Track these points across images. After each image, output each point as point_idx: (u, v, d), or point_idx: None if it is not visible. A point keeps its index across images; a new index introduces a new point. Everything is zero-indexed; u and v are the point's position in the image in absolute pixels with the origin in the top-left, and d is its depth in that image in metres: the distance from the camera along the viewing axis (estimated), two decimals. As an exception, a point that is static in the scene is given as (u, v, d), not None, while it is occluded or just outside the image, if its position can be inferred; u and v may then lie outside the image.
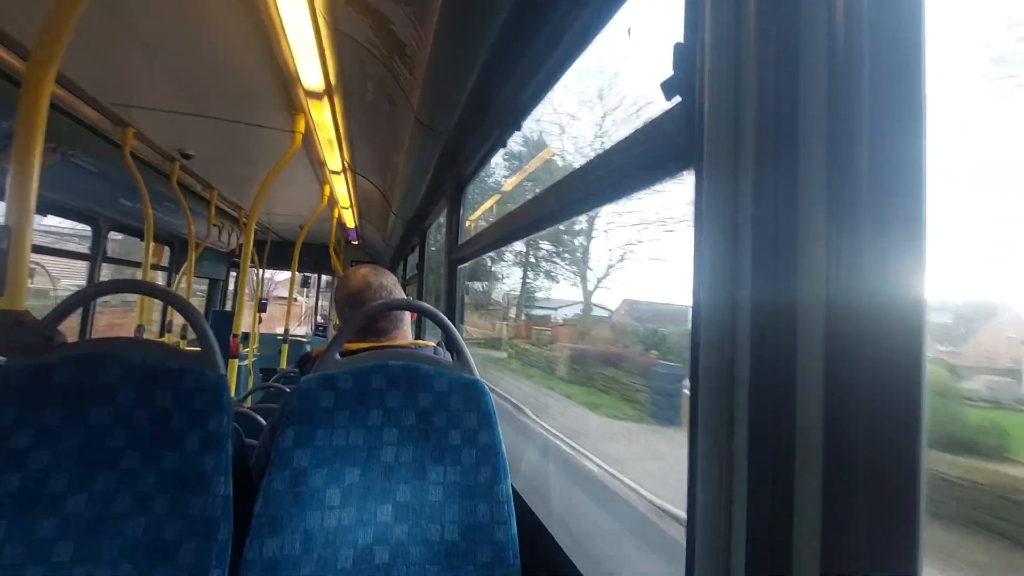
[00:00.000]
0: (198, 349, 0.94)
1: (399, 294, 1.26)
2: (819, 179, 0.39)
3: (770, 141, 0.43)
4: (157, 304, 4.26)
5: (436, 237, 3.52)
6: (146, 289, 1.00)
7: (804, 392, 0.38)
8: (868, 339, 0.37)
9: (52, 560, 0.78)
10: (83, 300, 0.93)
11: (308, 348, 3.89)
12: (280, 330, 5.45)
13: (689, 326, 0.51)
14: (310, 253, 6.42)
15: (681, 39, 0.56)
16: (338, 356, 0.98)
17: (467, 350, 1.05)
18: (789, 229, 0.41)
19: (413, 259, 4.24)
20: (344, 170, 3.06)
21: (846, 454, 0.36)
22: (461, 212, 1.99)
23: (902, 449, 0.36)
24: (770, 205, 0.42)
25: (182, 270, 4.42)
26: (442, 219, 2.31)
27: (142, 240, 3.25)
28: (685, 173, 0.58)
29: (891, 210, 0.38)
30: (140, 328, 3.11)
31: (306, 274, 7.58)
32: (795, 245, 0.40)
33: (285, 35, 1.61)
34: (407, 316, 1.23)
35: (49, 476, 0.81)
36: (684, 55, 0.55)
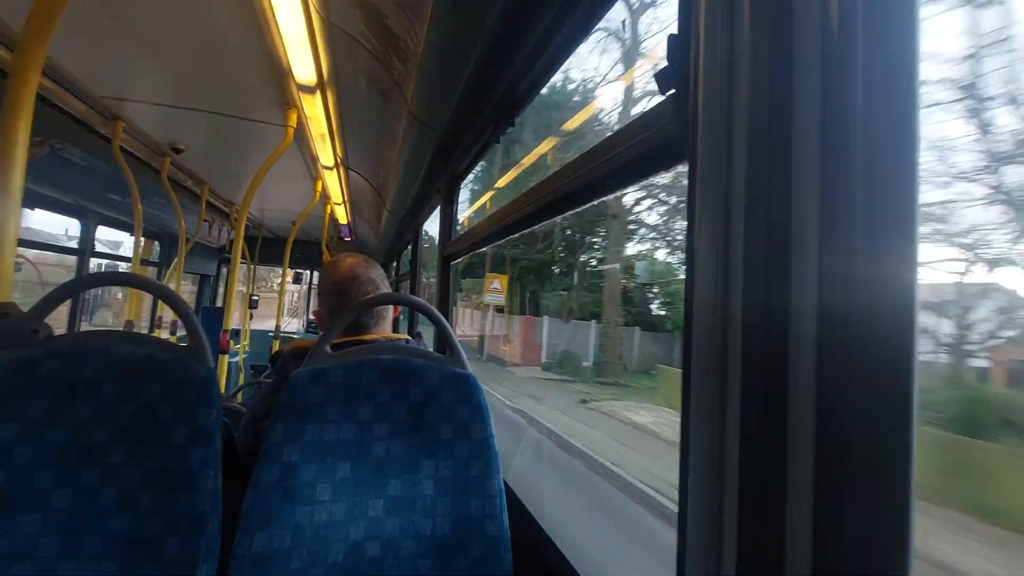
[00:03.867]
0: (186, 344, 0.93)
1: (386, 287, 1.24)
2: (812, 172, 0.39)
3: (763, 134, 0.43)
4: (149, 299, 4.22)
5: (430, 234, 3.51)
6: (133, 281, 0.99)
7: (796, 389, 0.38)
8: (860, 336, 0.37)
9: (37, 556, 0.76)
10: (70, 292, 0.92)
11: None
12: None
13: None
14: (302, 249, 6.38)
15: (675, 30, 0.56)
16: (328, 350, 0.97)
17: (459, 345, 1.04)
18: (782, 223, 0.41)
19: (407, 256, 4.23)
20: (337, 165, 3.04)
21: (837, 452, 0.36)
22: (455, 208, 1.98)
23: (893, 448, 0.36)
24: (763, 198, 0.42)
25: (172, 265, 4.37)
26: (436, 215, 2.30)
27: (132, 235, 3.22)
28: (679, 166, 0.58)
29: (884, 204, 0.38)
30: (129, 323, 3.08)
31: (298, 270, 7.54)
32: (788, 239, 0.40)
33: (277, 28, 1.59)
34: (390, 311, 1.22)
35: (33, 471, 0.79)
36: (678, 46, 0.55)
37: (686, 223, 0.50)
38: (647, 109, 0.62)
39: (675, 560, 0.48)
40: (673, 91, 0.57)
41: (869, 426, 0.36)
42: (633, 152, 0.66)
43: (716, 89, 0.47)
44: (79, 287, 0.92)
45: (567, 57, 1.03)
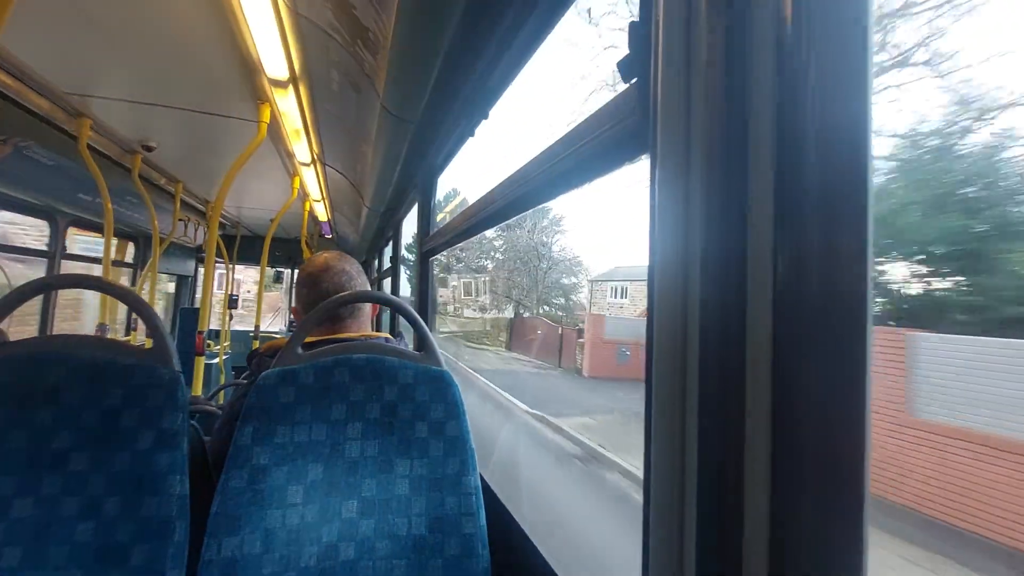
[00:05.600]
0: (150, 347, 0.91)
1: (362, 282, 1.22)
2: (768, 163, 0.39)
3: (720, 122, 0.42)
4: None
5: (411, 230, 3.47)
6: (91, 284, 0.96)
7: (753, 382, 0.38)
8: (815, 328, 0.36)
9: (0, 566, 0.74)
10: (26, 295, 0.89)
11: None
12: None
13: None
14: (282, 248, 6.30)
15: (637, 17, 0.55)
16: (299, 349, 0.95)
17: (435, 343, 1.03)
18: (739, 214, 0.40)
19: (389, 253, 4.19)
20: (313, 161, 2.99)
21: (793, 449, 0.36)
22: (432, 203, 1.96)
23: (848, 443, 0.36)
24: (720, 189, 0.41)
25: (147, 267, 4.28)
26: (414, 211, 2.28)
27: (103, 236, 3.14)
28: (643, 156, 0.57)
29: (839, 193, 0.37)
30: (102, 327, 3.01)
31: (278, 269, 7.43)
32: (744, 231, 0.40)
33: (245, 20, 1.55)
34: (367, 308, 1.20)
35: None
36: (639, 34, 0.54)
37: (648, 215, 0.49)
38: (611, 99, 0.61)
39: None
40: (636, 80, 0.56)
41: (824, 422, 0.36)
42: (598, 144, 0.65)
43: (675, 78, 0.46)
44: (33, 291, 0.89)
45: (537, 47, 1.02)
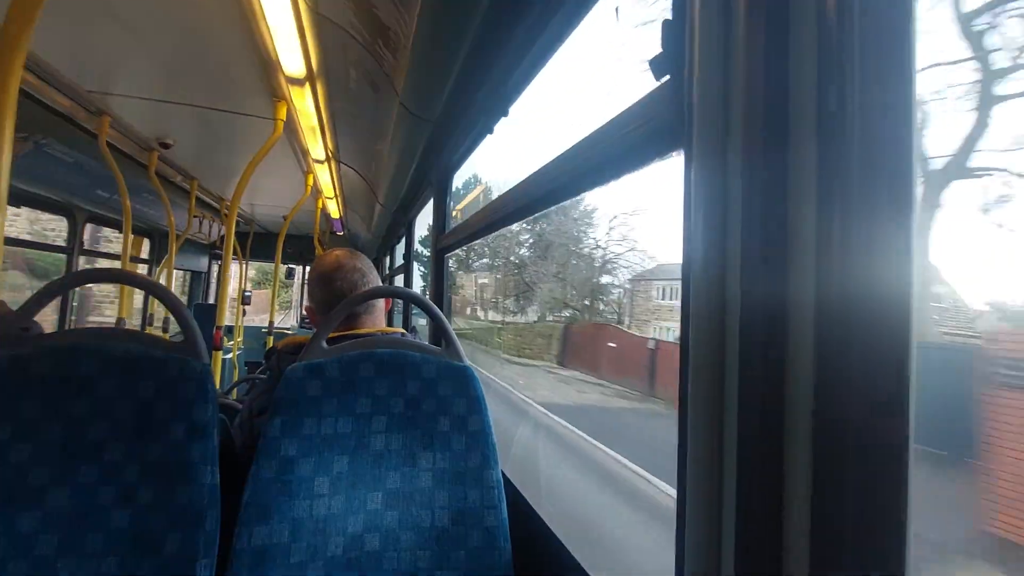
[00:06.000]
0: (181, 340, 0.92)
1: (374, 278, 1.23)
2: (809, 161, 0.39)
3: (759, 121, 0.42)
4: (139, 297, 4.19)
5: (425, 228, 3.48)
6: (124, 278, 0.98)
7: (794, 380, 0.38)
8: (858, 328, 0.36)
9: (35, 554, 0.76)
10: (60, 289, 0.91)
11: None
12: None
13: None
14: (294, 245, 6.34)
15: (670, 15, 0.55)
16: (324, 344, 0.96)
17: (456, 337, 1.04)
18: (778, 213, 0.40)
19: (400, 250, 4.20)
20: (328, 159, 3.01)
21: (835, 448, 0.36)
22: (448, 200, 1.97)
23: (890, 443, 0.36)
24: (759, 188, 0.41)
25: (163, 263, 4.33)
26: (429, 208, 2.29)
27: (121, 232, 3.18)
28: (675, 154, 0.57)
29: (881, 193, 0.37)
30: (121, 321, 3.05)
31: (290, 266, 7.49)
32: (784, 230, 0.40)
33: (265, 18, 1.56)
34: (381, 303, 1.21)
35: (30, 470, 0.79)
36: (672, 32, 0.54)
37: (682, 213, 0.49)
38: (641, 97, 0.61)
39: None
40: (668, 78, 0.56)
41: (866, 421, 0.36)
42: (628, 141, 0.65)
43: (712, 76, 0.46)
44: (68, 284, 0.92)
45: (560, 44, 1.02)
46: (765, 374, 0.39)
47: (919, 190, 0.38)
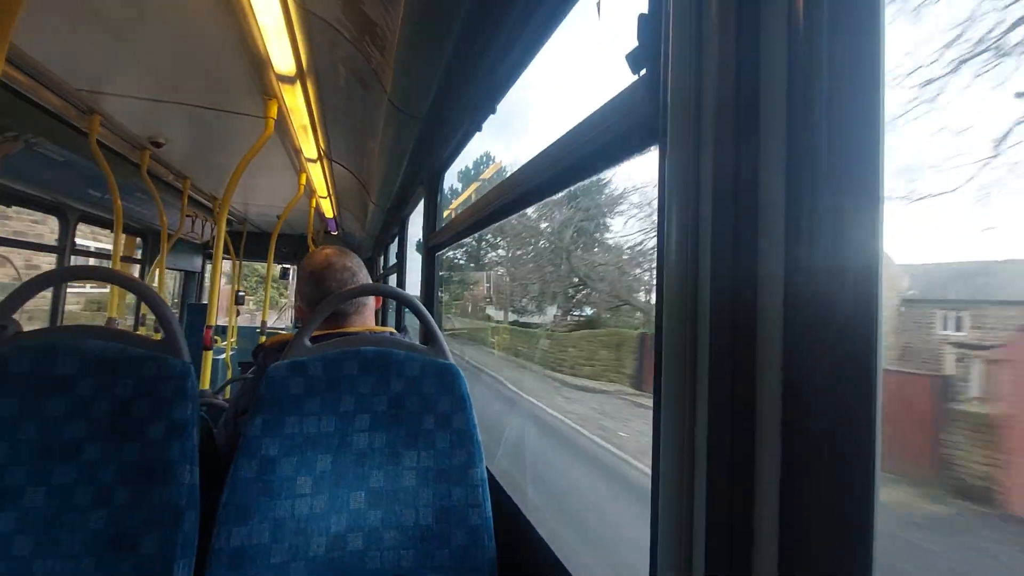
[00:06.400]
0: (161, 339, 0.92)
1: (364, 276, 1.22)
2: (779, 151, 0.39)
3: (730, 115, 0.42)
4: (132, 297, 4.17)
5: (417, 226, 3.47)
6: (105, 276, 0.97)
7: (764, 374, 0.38)
8: (825, 321, 0.36)
9: (11, 555, 0.76)
10: (40, 286, 0.90)
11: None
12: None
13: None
14: (288, 244, 6.31)
15: (645, 9, 0.55)
16: (307, 342, 0.96)
17: (442, 336, 1.03)
18: (750, 203, 0.40)
19: (394, 249, 4.19)
20: (320, 157, 3.00)
21: (804, 441, 0.36)
22: (439, 198, 1.96)
23: (857, 436, 0.36)
24: (729, 179, 0.41)
25: (155, 262, 4.31)
26: (420, 206, 2.28)
27: (112, 231, 3.16)
28: (652, 148, 0.57)
29: (849, 186, 0.37)
30: (111, 321, 3.03)
31: (284, 265, 7.46)
32: (755, 218, 0.40)
33: (254, 15, 1.56)
34: (370, 302, 1.20)
35: (6, 470, 0.78)
36: (648, 26, 0.54)
37: (657, 206, 0.49)
38: (619, 91, 0.61)
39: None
40: (644, 72, 0.56)
41: (834, 415, 0.36)
42: (608, 135, 0.65)
43: (686, 69, 0.46)
44: (48, 282, 0.90)
45: (546, 40, 1.01)
46: (735, 368, 0.40)
47: (885, 181, 0.38)
